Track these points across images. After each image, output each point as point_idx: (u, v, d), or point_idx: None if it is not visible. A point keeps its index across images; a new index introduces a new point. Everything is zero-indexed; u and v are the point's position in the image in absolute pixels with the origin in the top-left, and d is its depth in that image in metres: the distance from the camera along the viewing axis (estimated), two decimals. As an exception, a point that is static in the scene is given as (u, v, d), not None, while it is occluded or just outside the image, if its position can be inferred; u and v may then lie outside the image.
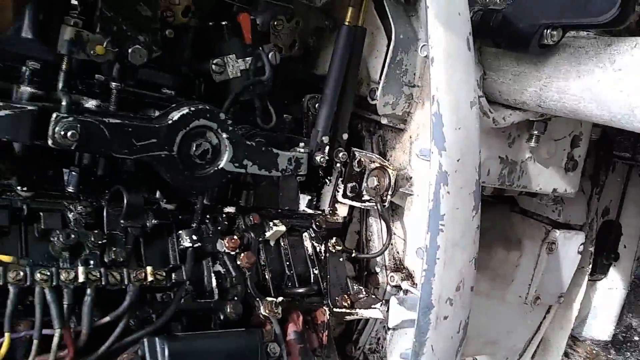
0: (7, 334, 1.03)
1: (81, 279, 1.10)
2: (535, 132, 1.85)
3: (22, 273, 1.05)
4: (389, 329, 1.60)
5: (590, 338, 3.04)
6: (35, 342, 1.04)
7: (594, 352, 3.30)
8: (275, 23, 1.53)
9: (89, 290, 1.11)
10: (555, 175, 2.07)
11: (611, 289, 2.93)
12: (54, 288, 1.07)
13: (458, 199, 1.34)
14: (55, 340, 1.05)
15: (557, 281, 2.47)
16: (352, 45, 1.48)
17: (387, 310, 1.51)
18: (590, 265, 2.65)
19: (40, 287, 1.06)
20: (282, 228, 1.51)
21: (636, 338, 3.24)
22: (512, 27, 1.47)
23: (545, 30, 1.43)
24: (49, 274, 1.07)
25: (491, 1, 1.80)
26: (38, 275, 1.06)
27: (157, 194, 1.34)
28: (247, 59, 1.42)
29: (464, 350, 2.23)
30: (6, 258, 1.04)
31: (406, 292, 1.65)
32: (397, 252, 1.74)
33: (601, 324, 3.00)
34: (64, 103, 1.13)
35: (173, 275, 1.26)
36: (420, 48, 1.48)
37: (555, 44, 1.46)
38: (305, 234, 1.61)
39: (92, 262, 1.16)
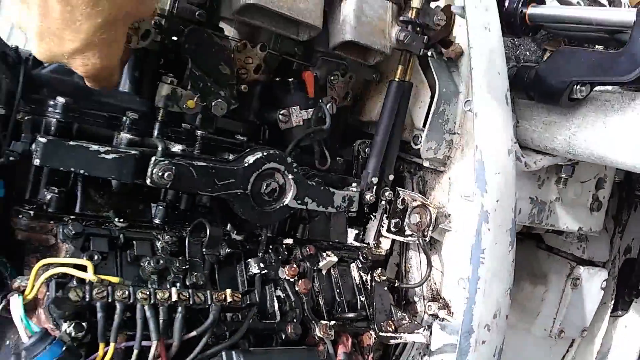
0: (112, 344, 1.19)
1: (174, 298, 1.27)
2: (564, 175, 2.01)
3: (127, 292, 1.22)
4: (431, 352, 1.75)
5: (613, 374, 3.11)
6: (135, 351, 1.21)
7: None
8: (332, 77, 1.73)
9: (179, 308, 1.28)
10: (581, 214, 2.22)
11: (632, 325, 3.01)
12: (152, 305, 1.25)
13: (497, 235, 1.50)
14: (153, 350, 1.22)
15: (580, 315, 2.58)
16: (400, 98, 1.67)
17: (430, 335, 1.66)
18: (612, 302, 2.75)
19: (141, 305, 1.23)
20: (334, 259, 1.67)
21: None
22: (544, 82, 1.65)
23: (575, 86, 1.60)
24: (148, 293, 1.25)
25: (523, 56, 2.00)
26: (140, 294, 1.23)
27: (228, 226, 1.52)
28: (310, 109, 1.61)
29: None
30: (114, 279, 1.22)
31: (442, 320, 1.80)
32: (435, 283, 1.90)
33: (622, 360, 3.07)
34: (159, 148, 1.32)
35: (246, 299, 1.43)
36: (464, 103, 1.66)
37: (583, 98, 1.64)
38: (353, 264, 1.77)
39: (177, 284, 1.34)
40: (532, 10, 1.68)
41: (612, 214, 2.67)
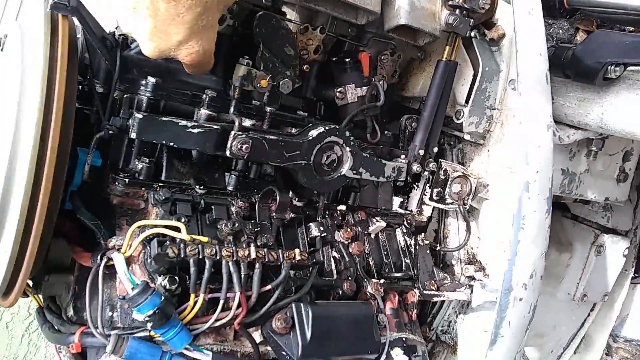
0: (202, 295, 1.38)
1: (253, 255, 1.44)
2: (594, 149, 2.15)
3: (214, 250, 1.40)
4: (467, 310, 1.92)
5: (630, 339, 3.26)
6: (221, 302, 1.39)
7: (634, 351, 3.53)
8: (382, 57, 1.87)
9: (257, 265, 1.46)
10: (608, 185, 2.37)
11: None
12: (235, 262, 1.43)
13: (536, 204, 1.65)
14: (236, 300, 1.40)
15: (602, 281, 2.73)
16: (447, 76, 1.80)
17: (471, 293, 1.83)
18: (633, 269, 2.90)
19: (226, 261, 1.41)
20: (383, 224, 1.84)
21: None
22: (581, 62, 1.78)
23: (610, 67, 1.73)
24: (231, 251, 1.42)
25: (556, 34, 2.11)
26: (224, 252, 1.41)
27: (290, 194, 1.68)
28: (364, 87, 1.75)
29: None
30: (204, 239, 1.39)
31: (480, 280, 1.97)
32: (471, 248, 2.06)
33: (641, 325, 3.22)
34: (237, 123, 1.48)
35: (312, 258, 1.60)
36: (508, 82, 1.79)
37: (617, 77, 1.76)
38: (398, 229, 1.94)
39: (251, 245, 1.51)
40: (570, -5, 1.81)
41: (636, 185, 2.80)
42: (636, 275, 2.98)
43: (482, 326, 1.85)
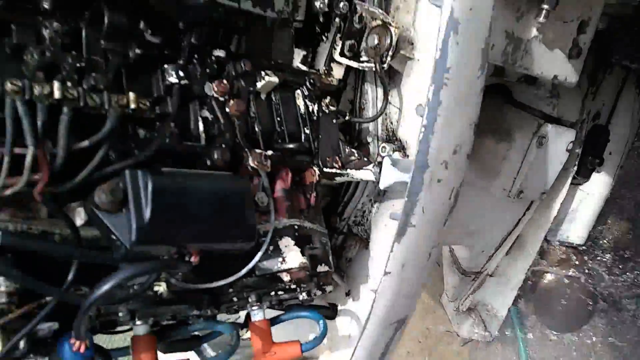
0: (-27, 148, 0.94)
1: (57, 95, 1.00)
2: (546, 7, 1.74)
3: (-8, 83, 0.94)
4: (381, 198, 1.56)
5: (564, 241, 3.09)
6: (6, 159, 0.95)
7: (566, 254, 3.38)
8: None
9: (65, 109, 1.01)
10: (559, 60, 1.98)
11: (590, 194, 2.94)
12: (27, 102, 0.97)
13: (466, 53, 1.25)
14: (29, 159, 0.96)
15: (542, 177, 2.45)
16: None
17: (380, 173, 1.45)
18: (575, 168, 2.64)
19: (11, 99, 0.96)
20: (275, 79, 1.41)
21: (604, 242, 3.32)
22: None
23: None
24: (21, 84, 0.97)
25: None
26: (9, 85, 0.96)
27: (141, 24, 1.22)
28: None
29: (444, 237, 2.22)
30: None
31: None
32: (391, 123, 1.67)
33: (576, 229, 3.04)
34: None
35: (157, 108, 1.16)
36: None
37: None
38: (298, 91, 1.52)
39: (69, 84, 1.06)
40: None
41: (588, 72, 2.48)
42: (576, 176, 2.75)
43: (391, 211, 1.49)
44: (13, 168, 0.98)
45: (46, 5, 1.11)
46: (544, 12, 1.75)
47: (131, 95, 1.09)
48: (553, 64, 1.97)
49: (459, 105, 1.27)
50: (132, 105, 1.09)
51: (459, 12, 1.20)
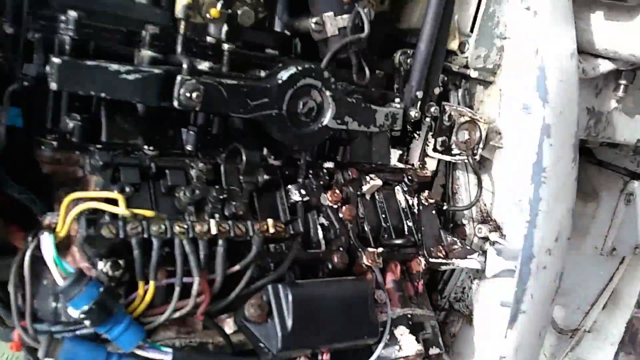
0: (152, 282, 1.12)
1: (213, 230, 1.18)
2: (624, 82, 1.84)
3: (163, 226, 1.13)
4: (483, 277, 1.65)
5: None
6: (177, 289, 1.13)
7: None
8: (367, -23, 1.54)
9: (220, 242, 1.19)
10: (640, 125, 2.05)
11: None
12: (191, 240, 1.15)
13: (559, 151, 1.36)
14: (195, 286, 1.14)
15: (633, 232, 2.47)
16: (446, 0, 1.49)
17: (485, 261, 1.55)
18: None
19: (179, 239, 1.14)
20: (379, 182, 1.55)
21: None
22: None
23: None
24: (185, 226, 1.15)
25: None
26: (177, 228, 1.14)
27: (265, 152, 1.40)
28: (345, 16, 1.44)
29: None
30: (149, 213, 1.12)
31: (494, 243, 1.69)
32: (484, 205, 1.78)
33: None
34: (185, 66, 1.18)
35: (290, 227, 1.33)
36: (521, 1, 1.47)
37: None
38: (398, 187, 1.65)
39: (216, 215, 1.24)
40: None
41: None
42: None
43: (499, 297, 1.58)
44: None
45: (189, 148, 1.31)
46: (622, 87, 1.83)
47: (269, 221, 1.26)
48: (635, 130, 2.03)
49: (557, 198, 1.38)
50: (272, 230, 1.25)
51: (550, 118, 1.32)
